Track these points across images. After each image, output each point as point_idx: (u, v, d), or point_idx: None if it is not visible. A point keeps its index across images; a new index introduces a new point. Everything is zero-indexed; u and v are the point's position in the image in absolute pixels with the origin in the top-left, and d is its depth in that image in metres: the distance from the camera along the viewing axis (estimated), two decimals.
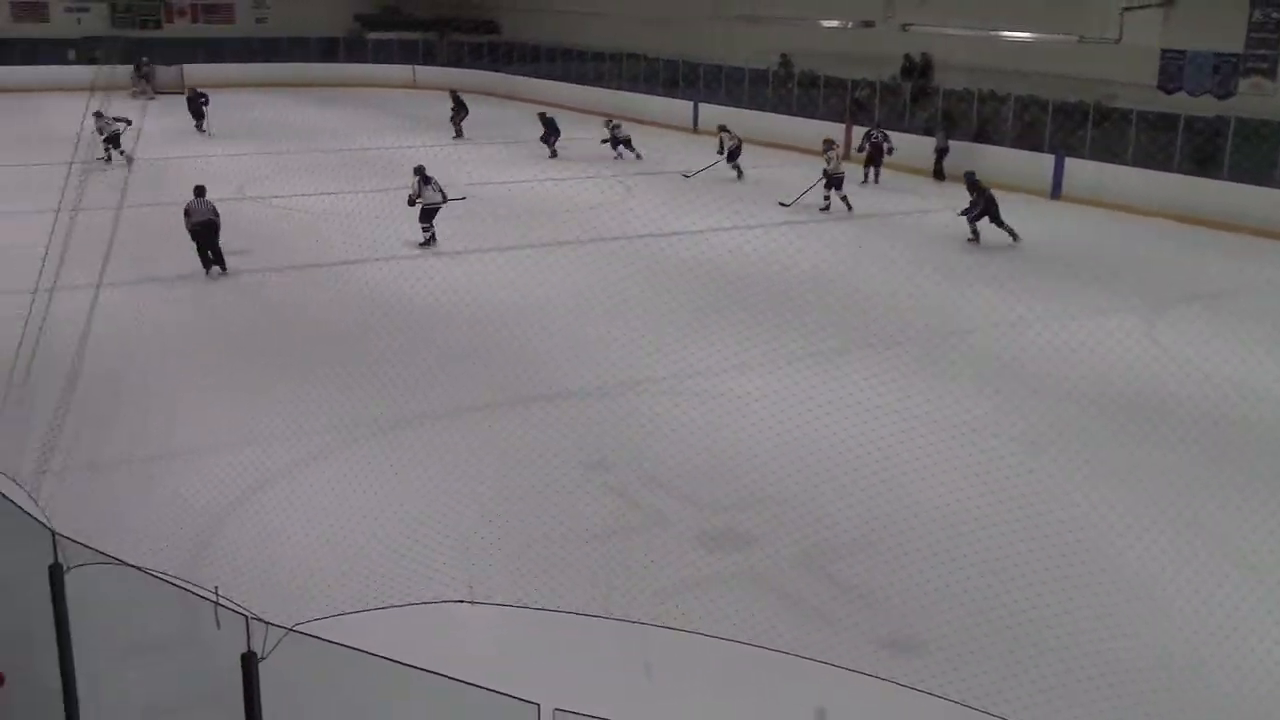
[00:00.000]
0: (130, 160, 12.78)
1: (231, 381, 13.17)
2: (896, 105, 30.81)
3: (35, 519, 5.78)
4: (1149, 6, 24.84)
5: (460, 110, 33.85)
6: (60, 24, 45.11)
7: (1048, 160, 25.79)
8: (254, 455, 10.96)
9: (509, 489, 10.47)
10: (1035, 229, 21.65)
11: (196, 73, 42.15)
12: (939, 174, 27.02)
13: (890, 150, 26.85)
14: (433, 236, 19.84)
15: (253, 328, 15.36)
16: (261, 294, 17.01)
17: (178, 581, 4.92)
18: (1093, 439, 12.05)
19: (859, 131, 28.22)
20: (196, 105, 33.33)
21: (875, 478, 10.24)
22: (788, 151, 30.37)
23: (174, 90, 39.56)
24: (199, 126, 32.98)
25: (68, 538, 5.31)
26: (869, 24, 30.97)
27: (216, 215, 17.69)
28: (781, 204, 23.73)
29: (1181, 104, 24.48)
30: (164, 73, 40.02)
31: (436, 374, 13.30)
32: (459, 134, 33.60)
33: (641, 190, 25.53)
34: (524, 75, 43.28)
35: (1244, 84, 23.66)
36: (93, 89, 15.07)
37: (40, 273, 9.99)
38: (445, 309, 15.63)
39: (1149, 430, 12.11)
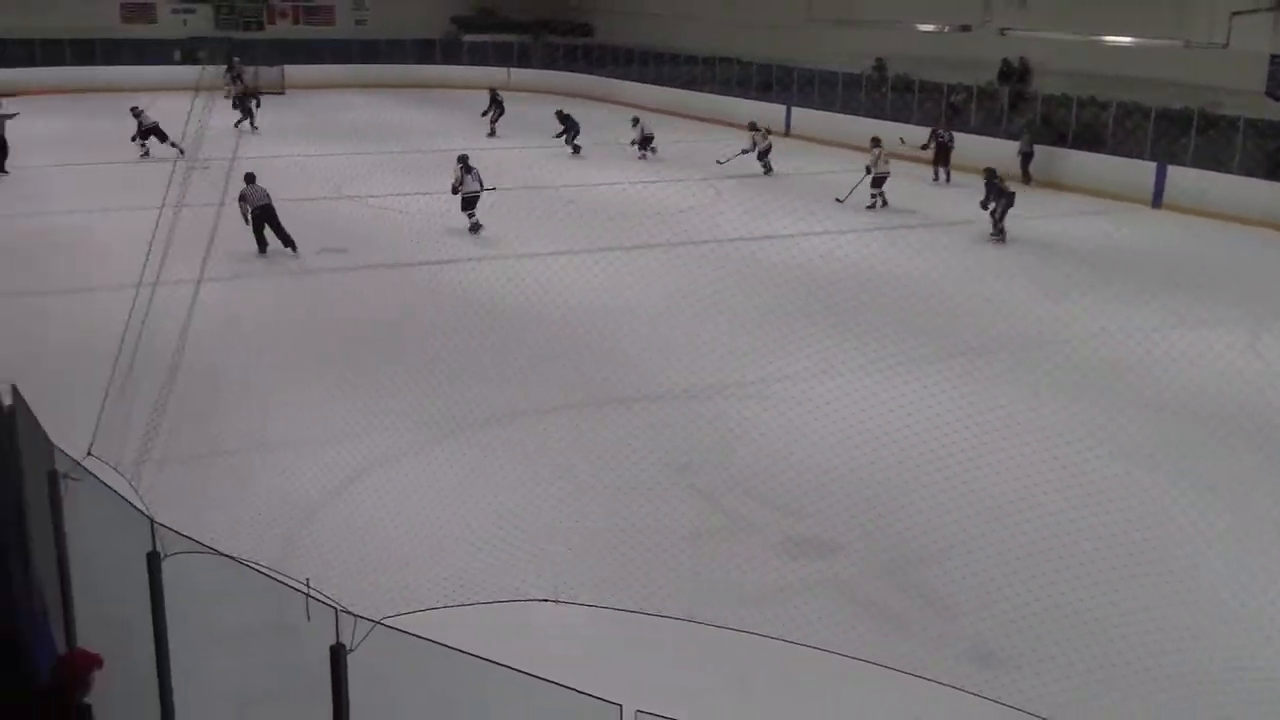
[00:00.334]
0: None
1: (325, 377, 13.41)
2: (994, 110, 30.40)
3: (135, 507, 5.91)
4: (1259, 11, 24.17)
5: (496, 109, 34.01)
6: (167, 25, 46.18)
7: (1149, 168, 25.22)
8: (346, 450, 11.15)
9: (596, 488, 10.52)
10: (1135, 237, 21.21)
11: (297, 73, 43.02)
12: (1026, 178, 26.61)
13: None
14: (477, 223, 20.27)
15: (346, 324, 15.59)
16: (356, 291, 17.28)
17: (270, 572, 5.00)
18: (1190, 452, 11.77)
19: (925, 132, 28.03)
20: (246, 105, 33.20)
21: (964, 486, 10.11)
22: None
23: (275, 90, 40.40)
24: (251, 124, 32.71)
25: (165, 526, 5.42)
26: (966, 28, 30.51)
27: (270, 198, 18.69)
28: (838, 200, 24.15)
29: None
30: (266, 73, 40.74)
31: (527, 373, 13.42)
32: (493, 133, 33.59)
33: (731, 193, 25.45)
34: (617, 78, 43.42)
35: None
36: (197, 89, 15.34)
37: (144, 268, 10.22)
38: (537, 309, 15.74)
39: (1250, 445, 11.79)
